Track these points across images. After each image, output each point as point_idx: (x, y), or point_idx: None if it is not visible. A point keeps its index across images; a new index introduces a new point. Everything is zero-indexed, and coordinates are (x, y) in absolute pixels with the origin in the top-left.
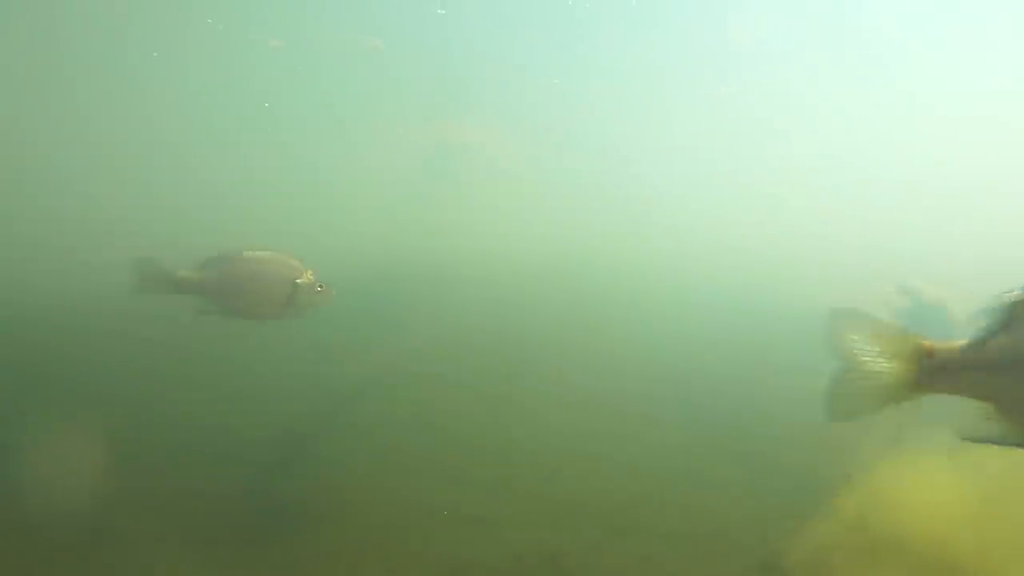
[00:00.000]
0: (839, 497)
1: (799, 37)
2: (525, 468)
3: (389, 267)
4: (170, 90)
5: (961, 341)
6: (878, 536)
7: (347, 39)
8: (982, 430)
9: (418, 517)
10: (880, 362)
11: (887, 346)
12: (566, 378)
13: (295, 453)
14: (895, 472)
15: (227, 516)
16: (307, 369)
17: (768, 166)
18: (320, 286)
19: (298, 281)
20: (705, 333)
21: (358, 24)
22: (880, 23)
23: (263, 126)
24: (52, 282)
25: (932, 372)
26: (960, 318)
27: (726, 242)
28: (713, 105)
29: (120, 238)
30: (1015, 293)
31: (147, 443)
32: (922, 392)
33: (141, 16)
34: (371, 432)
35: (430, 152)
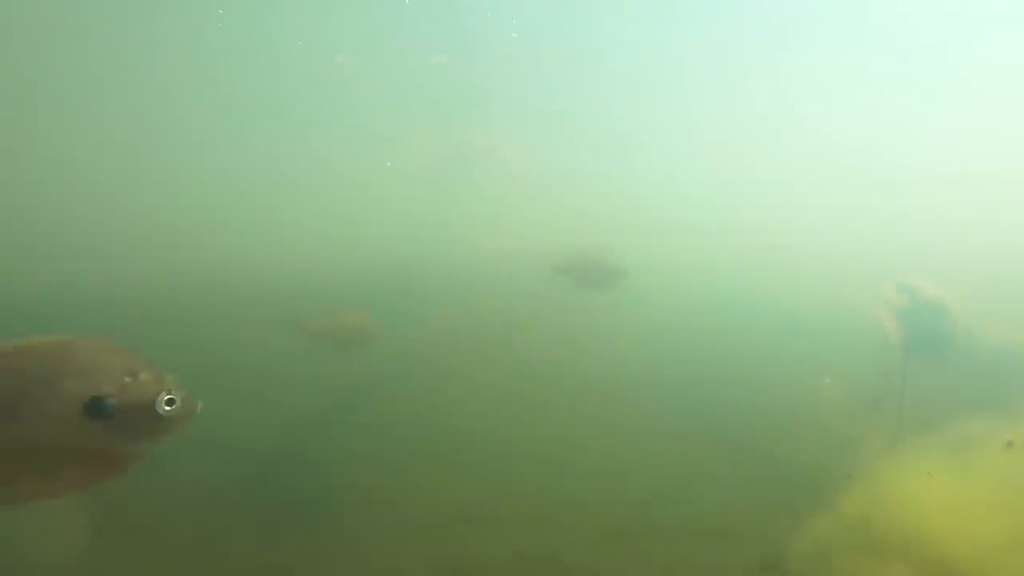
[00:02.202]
0: (840, 496)
1: (796, 29)
2: (527, 467)
3: (404, 264)
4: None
5: None
6: (879, 535)
7: (413, 56)
8: None
9: (420, 515)
10: None
11: None
12: (573, 377)
13: (295, 451)
14: (896, 472)
15: (223, 510)
16: (315, 366)
17: (768, 163)
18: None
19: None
20: (711, 333)
21: (434, 44)
22: (880, 20)
23: (304, 132)
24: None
25: None
26: (960, 316)
27: (728, 238)
28: (722, 99)
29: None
30: None
31: None
32: None
33: (232, 39)
34: (376, 430)
35: (476, 159)
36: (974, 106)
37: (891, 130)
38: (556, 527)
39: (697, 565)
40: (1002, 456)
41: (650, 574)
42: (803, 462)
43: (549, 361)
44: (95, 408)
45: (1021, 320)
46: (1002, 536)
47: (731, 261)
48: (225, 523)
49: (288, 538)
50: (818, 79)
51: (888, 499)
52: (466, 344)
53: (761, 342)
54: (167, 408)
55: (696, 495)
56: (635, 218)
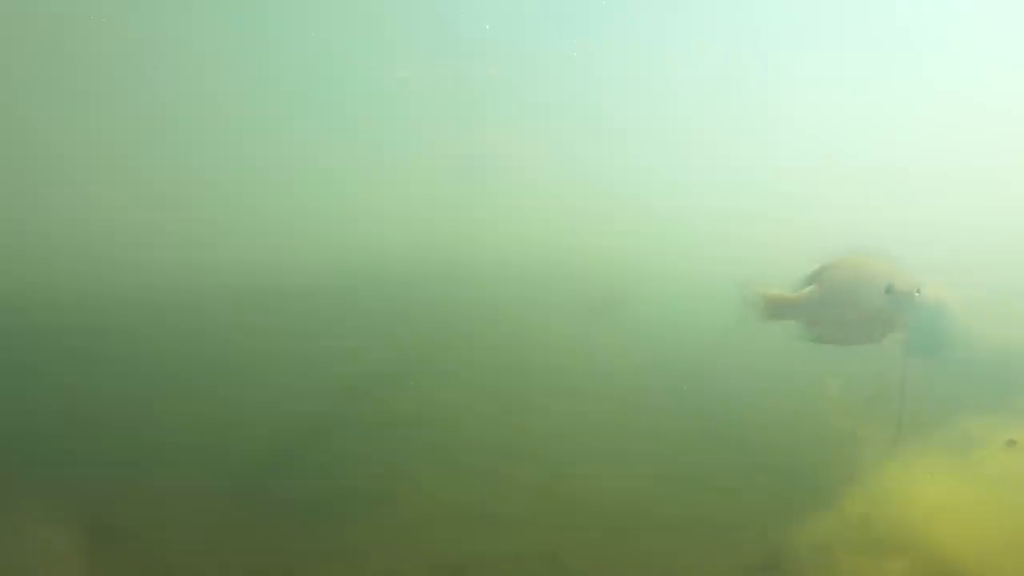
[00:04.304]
0: (841, 495)
1: (800, 30)
2: (527, 467)
3: (411, 263)
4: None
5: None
6: (880, 535)
7: (470, 68)
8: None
9: (420, 515)
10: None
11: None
12: (571, 377)
13: (295, 451)
14: (897, 471)
15: (222, 512)
16: (314, 366)
17: (768, 163)
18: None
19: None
20: (707, 331)
21: (492, 58)
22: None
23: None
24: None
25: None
26: (960, 316)
27: (730, 237)
28: (722, 96)
29: None
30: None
31: None
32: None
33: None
34: (376, 430)
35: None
36: (976, 106)
37: (892, 130)
38: (556, 527)
39: (697, 565)
40: (1004, 455)
41: (650, 574)
42: (804, 462)
43: (547, 361)
44: (890, 290)
45: (1021, 320)
46: (1004, 536)
47: (731, 260)
48: (224, 524)
49: (287, 539)
50: (821, 80)
51: (889, 499)
52: (468, 344)
53: (761, 340)
54: (917, 294)
55: (696, 494)
56: (634, 220)
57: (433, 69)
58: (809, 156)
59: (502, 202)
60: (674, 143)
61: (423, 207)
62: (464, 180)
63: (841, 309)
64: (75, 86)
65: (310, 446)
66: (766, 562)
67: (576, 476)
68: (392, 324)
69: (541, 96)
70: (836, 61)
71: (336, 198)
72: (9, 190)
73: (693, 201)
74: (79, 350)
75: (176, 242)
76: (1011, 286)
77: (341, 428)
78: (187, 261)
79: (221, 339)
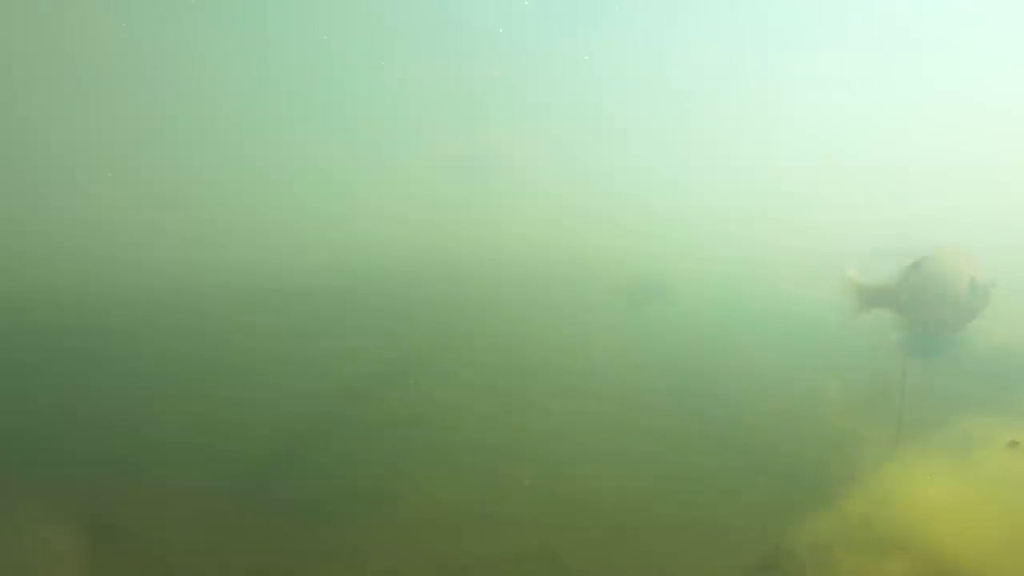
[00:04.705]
0: (842, 496)
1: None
2: (527, 466)
3: (412, 264)
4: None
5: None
6: (880, 535)
7: (471, 68)
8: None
9: (420, 515)
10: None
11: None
12: (572, 376)
13: (295, 451)
14: (898, 472)
15: (224, 512)
16: (314, 366)
17: (769, 163)
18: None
19: None
20: (710, 331)
21: (493, 58)
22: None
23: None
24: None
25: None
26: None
27: (727, 236)
28: (724, 97)
29: None
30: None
31: None
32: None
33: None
34: (377, 429)
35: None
36: (976, 106)
37: (892, 130)
38: (556, 527)
39: (697, 565)
40: (1004, 455)
41: (650, 574)
42: (804, 462)
43: (547, 361)
44: (971, 285)
45: (1022, 319)
46: (1004, 536)
47: (731, 259)
48: (224, 525)
49: (287, 539)
50: (821, 80)
51: (890, 499)
52: (468, 344)
53: (762, 341)
54: (992, 288)
55: (697, 495)
56: (634, 220)
57: (434, 69)
58: (809, 156)
59: (502, 202)
60: (674, 143)
61: (423, 207)
62: (464, 180)
63: (930, 300)
64: (75, 86)
65: (310, 446)
66: (766, 562)
67: (576, 476)
68: (392, 324)
69: (542, 96)
70: (836, 61)
71: (336, 198)
72: (9, 190)
73: (693, 201)
74: (79, 350)
75: (176, 242)
76: (1011, 285)
77: (341, 428)
78: (187, 261)
79: (221, 339)
